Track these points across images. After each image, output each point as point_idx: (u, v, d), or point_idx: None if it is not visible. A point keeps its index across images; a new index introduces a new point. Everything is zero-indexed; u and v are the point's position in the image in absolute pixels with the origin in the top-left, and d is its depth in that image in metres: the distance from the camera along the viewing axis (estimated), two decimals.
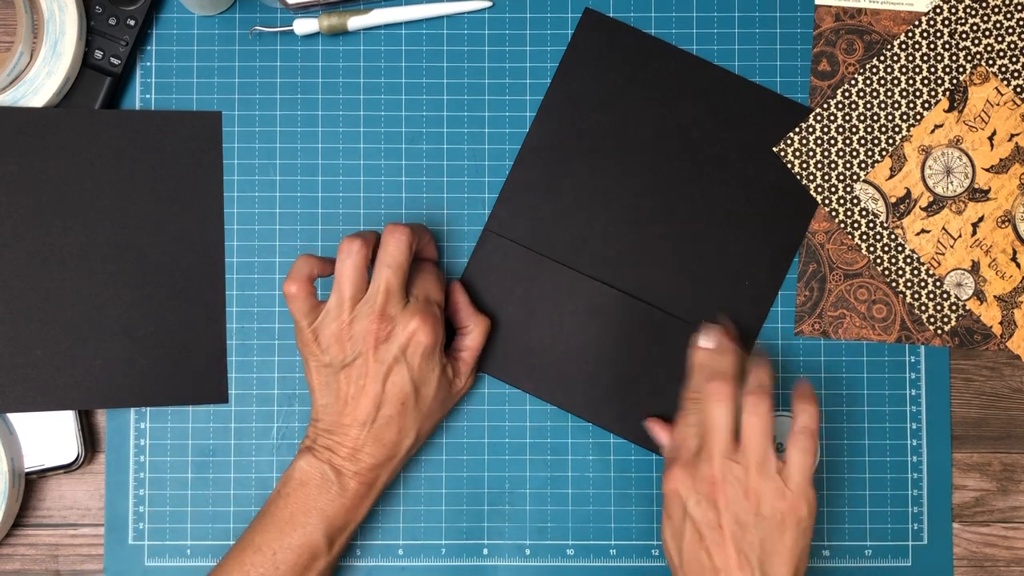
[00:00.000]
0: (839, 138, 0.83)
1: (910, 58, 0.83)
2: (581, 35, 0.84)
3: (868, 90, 0.83)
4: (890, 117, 0.83)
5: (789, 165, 0.83)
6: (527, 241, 0.82)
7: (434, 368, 0.76)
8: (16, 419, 0.81)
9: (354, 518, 0.76)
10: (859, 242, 0.83)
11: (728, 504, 0.71)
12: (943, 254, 0.83)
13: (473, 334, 0.80)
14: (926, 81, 0.83)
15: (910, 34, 0.83)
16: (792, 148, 0.83)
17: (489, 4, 0.84)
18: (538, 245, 0.83)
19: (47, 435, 0.81)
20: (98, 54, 0.82)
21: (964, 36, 0.83)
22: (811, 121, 0.83)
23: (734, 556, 0.71)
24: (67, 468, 0.82)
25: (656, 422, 0.80)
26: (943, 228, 0.83)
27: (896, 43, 0.83)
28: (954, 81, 0.83)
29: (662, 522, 0.75)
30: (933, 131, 0.83)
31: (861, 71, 0.83)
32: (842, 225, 0.83)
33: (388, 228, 0.76)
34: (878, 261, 0.83)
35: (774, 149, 0.83)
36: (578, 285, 0.83)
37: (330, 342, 0.75)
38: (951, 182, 0.83)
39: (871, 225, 0.83)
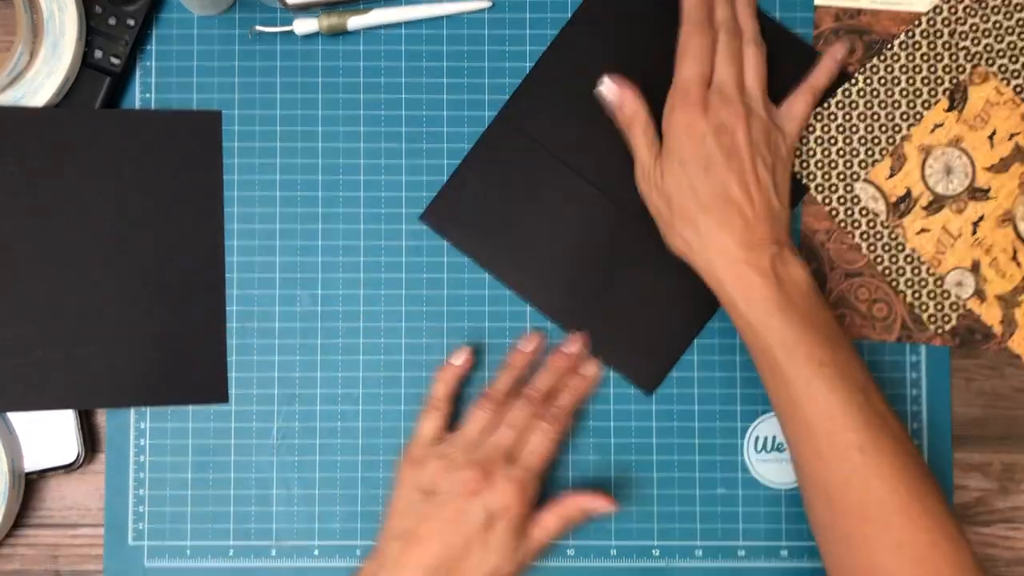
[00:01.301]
0: (839, 137, 0.83)
1: (910, 57, 0.83)
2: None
3: (868, 89, 0.83)
4: (890, 116, 0.83)
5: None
6: (538, 136, 0.82)
7: (512, 541, 0.75)
8: (16, 419, 0.81)
9: None
10: (859, 241, 0.83)
11: (749, 131, 0.77)
12: (943, 253, 0.83)
13: (549, 525, 0.78)
14: (926, 81, 0.83)
15: (910, 33, 0.83)
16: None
17: (489, 4, 0.84)
18: (545, 142, 0.83)
19: (47, 435, 0.81)
20: (98, 54, 0.82)
21: (964, 36, 0.83)
22: (812, 120, 0.83)
23: (754, 171, 0.76)
24: (67, 468, 0.82)
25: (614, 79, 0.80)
26: (943, 227, 0.83)
27: (896, 42, 0.83)
28: (954, 81, 0.83)
29: (655, 175, 0.78)
30: (933, 130, 0.83)
31: (861, 70, 0.83)
32: (842, 224, 0.83)
33: (535, 424, 0.78)
34: (878, 260, 0.83)
35: None
36: (575, 187, 0.83)
37: (434, 469, 0.76)
38: (951, 181, 0.83)
39: (871, 224, 0.83)
